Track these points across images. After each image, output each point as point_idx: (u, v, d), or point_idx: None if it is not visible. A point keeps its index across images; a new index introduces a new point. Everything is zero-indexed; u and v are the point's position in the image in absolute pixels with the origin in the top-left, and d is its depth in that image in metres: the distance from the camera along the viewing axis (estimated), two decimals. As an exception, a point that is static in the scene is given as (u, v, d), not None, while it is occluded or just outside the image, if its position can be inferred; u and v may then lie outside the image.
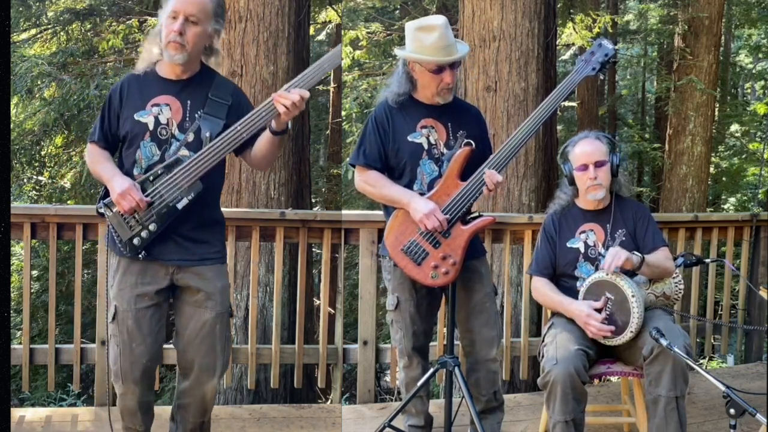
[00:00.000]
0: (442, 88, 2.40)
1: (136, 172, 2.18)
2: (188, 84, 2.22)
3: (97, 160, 2.23)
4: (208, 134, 2.16)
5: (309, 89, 2.14)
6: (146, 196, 2.12)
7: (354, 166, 2.51)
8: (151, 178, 2.13)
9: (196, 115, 2.19)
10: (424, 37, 2.33)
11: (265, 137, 2.21)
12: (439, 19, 2.36)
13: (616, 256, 2.35)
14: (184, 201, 2.13)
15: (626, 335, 2.35)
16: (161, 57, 2.21)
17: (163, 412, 3.02)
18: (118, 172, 2.17)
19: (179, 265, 2.21)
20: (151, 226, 2.13)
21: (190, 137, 2.17)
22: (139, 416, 2.29)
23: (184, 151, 2.17)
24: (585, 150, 2.52)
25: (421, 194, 2.40)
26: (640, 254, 2.42)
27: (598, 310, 2.39)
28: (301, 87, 2.13)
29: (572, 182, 2.58)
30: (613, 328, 2.37)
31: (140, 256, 2.15)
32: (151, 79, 2.22)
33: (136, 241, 2.14)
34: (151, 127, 2.17)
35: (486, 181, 2.33)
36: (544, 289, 2.58)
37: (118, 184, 2.11)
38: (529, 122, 2.40)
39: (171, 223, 2.15)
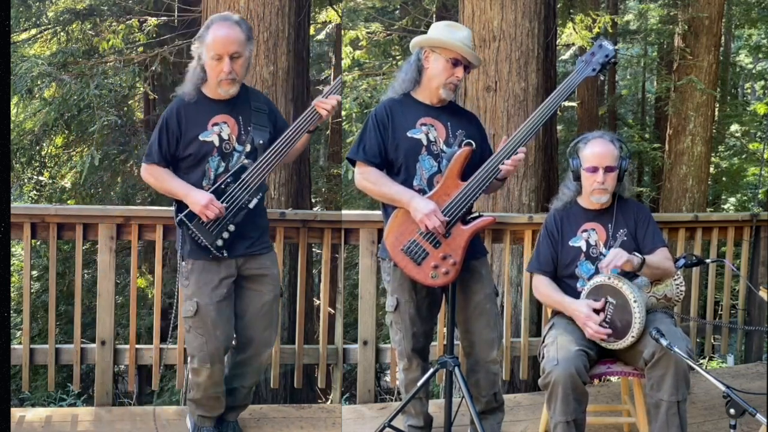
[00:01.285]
0: (450, 81, 2.45)
1: (204, 183, 2.49)
2: (236, 102, 2.54)
3: (164, 178, 2.53)
4: (261, 142, 2.51)
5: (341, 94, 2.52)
6: (221, 202, 2.44)
7: (353, 162, 2.52)
8: (223, 186, 2.45)
9: (249, 128, 2.53)
10: (454, 31, 2.46)
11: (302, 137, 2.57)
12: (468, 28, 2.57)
13: (617, 256, 2.34)
14: (255, 201, 2.49)
15: (627, 340, 2.35)
16: (205, 80, 2.50)
17: (162, 412, 3.03)
18: (191, 186, 2.47)
19: (246, 257, 2.55)
20: (231, 227, 2.47)
21: (248, 147, 2.51)
22: (221, 399, 2.65)
23: (244, 160, 2.49)
24: (597, 152, 2.52)
25: (421, 190, 2.41)
26: (640, 256, 2.42)
27: (598, 311, 2.39)
28: (336, 93, 2.51)
29: (578, 178, 2.58)
30: (610, 331, 2.37)
31: (223, 254, 2.48)
32: (204, 102, 2.52)
33: (219, 242, 2.47)
34: (216, 144, 2.50)
35: (509, 164, 2.36)
36: (544, 288, 2.58)
37: (198, 197, 2.43)
38: (528, 123, 2.40)
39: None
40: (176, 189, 2.49)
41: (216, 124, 2.50)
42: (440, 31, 2.46)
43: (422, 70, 2.48)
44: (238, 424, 2.80)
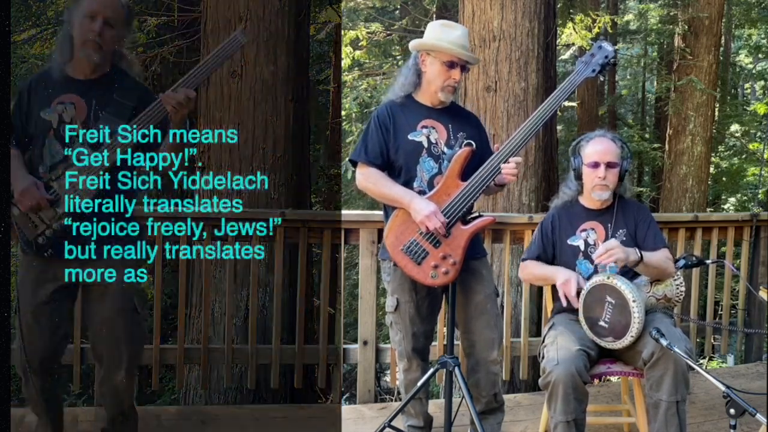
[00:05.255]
0: (448, 84, 2.43)
1: (41, 170, 2.18)
2: (95, 83, 2.23)
3: (11, 161, 2.18)
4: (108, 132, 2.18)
5: (196, 88, 2.19)
6: (50, 194, 2.12)
7: (354, 163, 2.52)
8: (54, 177, 2.14)
9: (100, 115, 2.20)
10: (449, 32, 2.42)
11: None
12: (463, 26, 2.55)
13: (609, 253, 2.34)
14: (87, 200, 2.13)
15: (626, 339, 2.35)
16: (71, 57, 2.22)
17: (163, 411, 3.03)
18: (21, 170, 2.15)
19: (80, 259, 2.18)
20: (55, 225, 2.15)
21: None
22: (41, 403, 2.34)
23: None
24: (598, 149, 2.54)
25: (421, 192, 2.41)
26: (638, 252, 2.42)
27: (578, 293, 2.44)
28: (188, 86, 2.16)
29: (579, 177, 2.59)
30: (574, 293, 2.42)
31: (46, 254, 2.16)
32: (59, 78, 2.23)
33: (41, 240, 2.16)
34: (54, 125, 2.18)
35: (505, 174, 2.36)
36: (529, 267, 2.62)
37: (20, 182, 2.11)
38: (528, 124, 2.40)
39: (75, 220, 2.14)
40: (12, 171, 2.11)
41: (61, 102, 2.19)
42: (435, 32, 2.45)
43: (421, 74, 2.47)
44: None
